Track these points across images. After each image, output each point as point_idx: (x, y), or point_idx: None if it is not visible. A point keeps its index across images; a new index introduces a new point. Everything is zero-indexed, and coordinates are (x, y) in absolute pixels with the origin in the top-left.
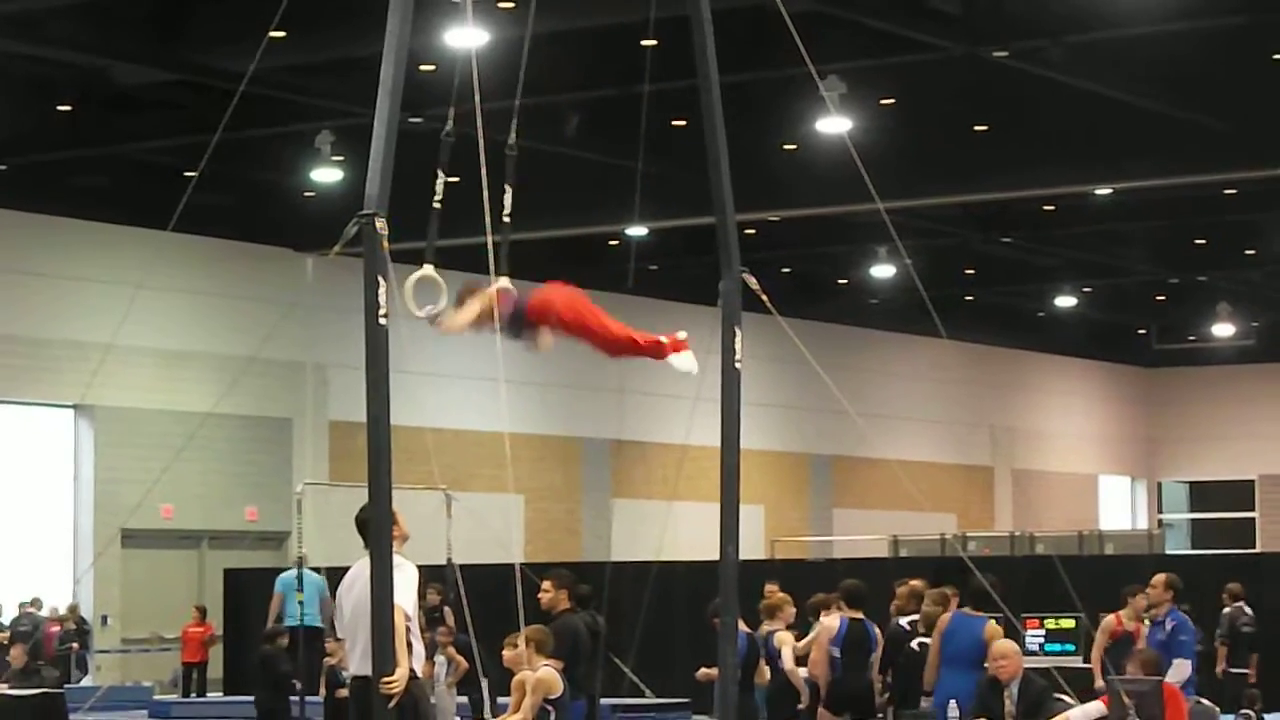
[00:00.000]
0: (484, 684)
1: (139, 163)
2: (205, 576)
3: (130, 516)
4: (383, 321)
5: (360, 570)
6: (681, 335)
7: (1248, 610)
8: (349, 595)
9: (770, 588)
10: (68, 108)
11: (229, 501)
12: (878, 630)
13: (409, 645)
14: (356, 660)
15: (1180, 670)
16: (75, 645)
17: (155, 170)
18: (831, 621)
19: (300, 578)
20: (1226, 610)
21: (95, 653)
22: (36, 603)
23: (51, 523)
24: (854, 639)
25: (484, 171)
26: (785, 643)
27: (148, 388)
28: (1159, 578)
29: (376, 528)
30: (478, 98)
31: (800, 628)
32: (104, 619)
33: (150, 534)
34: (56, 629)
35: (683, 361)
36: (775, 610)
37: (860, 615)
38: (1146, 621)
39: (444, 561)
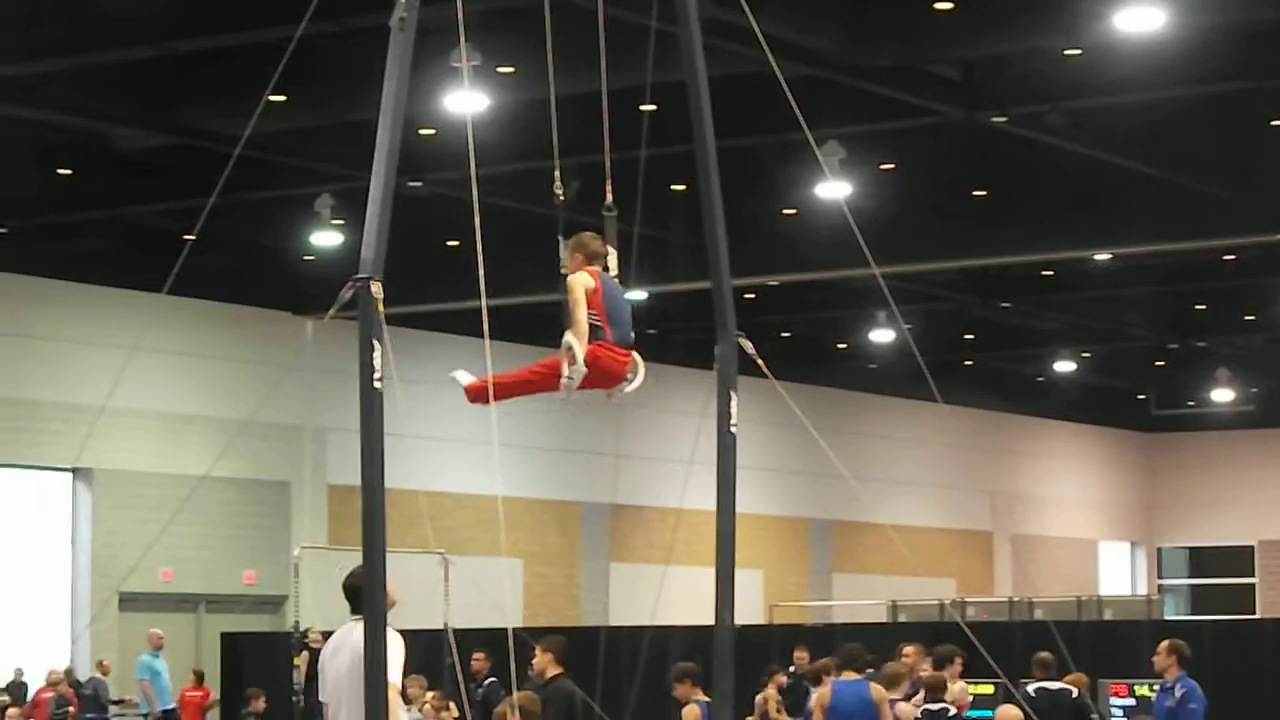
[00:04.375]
0: None
1: (140, 226)
2: (203, 640)
3: (128, 579)
4: (377, 385)
5: (345, 637)
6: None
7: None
8: (332, 661)
9: (908, 650)
10: (68, 171)
11: (227, 565)
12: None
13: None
14: None
15: None
16: (72, 709)
17: (156, 234)
18: (824, 689)
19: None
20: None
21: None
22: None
23: (49, 586)
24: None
25: (479, 236)
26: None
27: (147, 450)
28: (1163, 644)
29: (370, 594)
30: (472, 161)
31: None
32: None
33: (148, 597)
34: (49, 694)
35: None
36: (897, 679)
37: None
38: (1153, 688)
39: (440, 626)
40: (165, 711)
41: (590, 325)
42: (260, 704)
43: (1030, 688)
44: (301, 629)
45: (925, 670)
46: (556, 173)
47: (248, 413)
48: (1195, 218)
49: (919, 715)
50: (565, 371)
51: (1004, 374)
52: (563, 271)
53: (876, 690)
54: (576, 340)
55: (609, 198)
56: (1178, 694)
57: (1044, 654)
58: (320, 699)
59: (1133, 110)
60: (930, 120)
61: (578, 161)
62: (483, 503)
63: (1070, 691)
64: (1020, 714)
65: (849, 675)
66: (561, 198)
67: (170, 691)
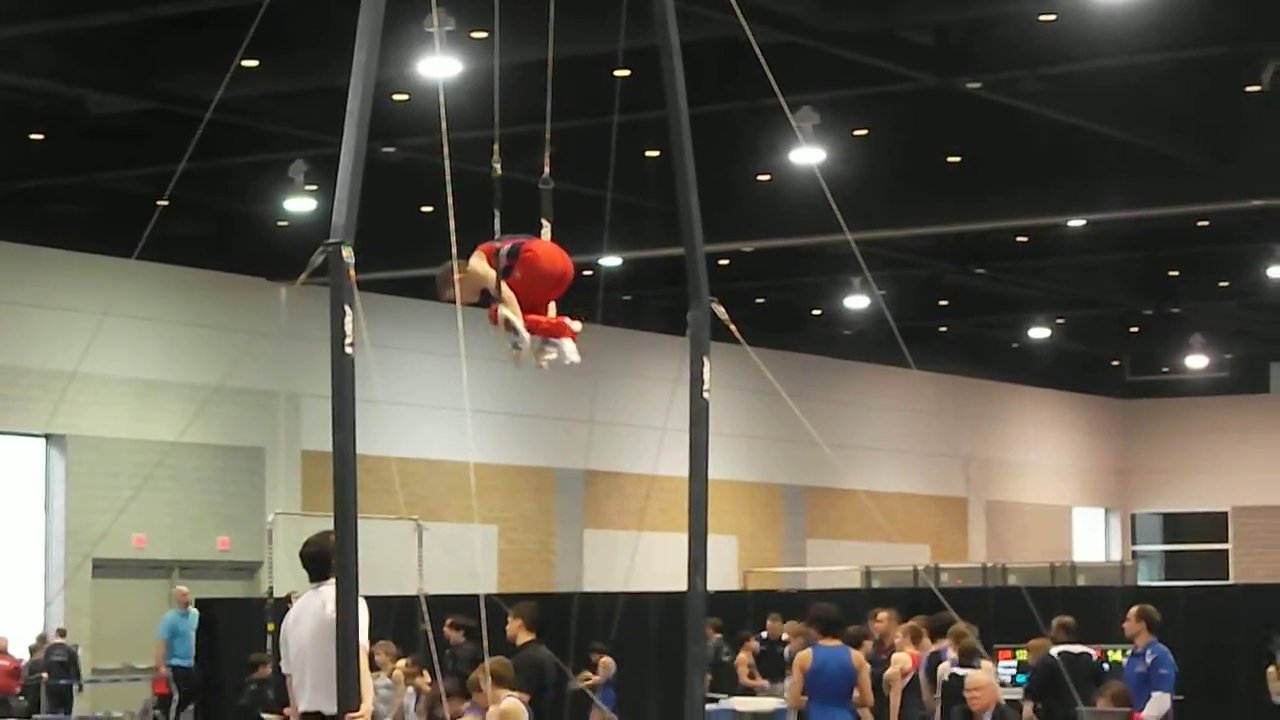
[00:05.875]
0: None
1: (113, 191)
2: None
3: (101, 546)
4: (349, 350)
5: (305, 605)
6: (576, 327)
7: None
8: (294, 630)
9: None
10: (40, 136)
11: (200, 531)
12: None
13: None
14: (306, 696)
15: (1159, 704)
16: (45, 675)
17: (129, 199)
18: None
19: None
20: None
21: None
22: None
23: (22, 553)
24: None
25: (450, 201)
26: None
27: (121, 417)
28: (1132, 610)
29: (343, 559)
30: (444, 126)
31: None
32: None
33: (121, 563)
34: (8, 664)
35: (568, 350)
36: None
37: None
38: (1125, 653)
39: (414, 592)
40: (175, 669)
41: (505, 258)
42: (266, 670)
43: (1054, 651)
44: (282, 594)
45: (898, 637)
46: (496, 146)
47: (221, 378)
48: (1170, 184)
49: (946, 679)
50: (511, 342)
51: (978, 340)
52: (458, 301)
53: (857, 657)
54: (510, 312)
55: (546, 170)
56: (1148, 659)
57: (1066, 618)
58: (282, 670)
59: (1108, 75)
60: (904, 86)
61: (551, 127)
62: (456, 469)
63: (1090, 655)
64: (991, 679)
65: (829, 641)
66: (500, 171)
67: (192, 650)
